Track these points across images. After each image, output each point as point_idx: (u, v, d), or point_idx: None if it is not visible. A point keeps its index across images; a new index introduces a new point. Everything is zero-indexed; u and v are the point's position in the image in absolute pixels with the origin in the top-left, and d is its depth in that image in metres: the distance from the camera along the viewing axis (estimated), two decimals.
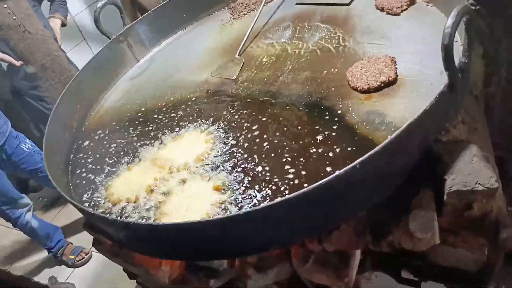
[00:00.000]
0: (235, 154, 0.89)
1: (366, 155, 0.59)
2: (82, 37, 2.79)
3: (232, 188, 0.80)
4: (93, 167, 1.03)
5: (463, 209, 0.63)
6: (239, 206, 0.76)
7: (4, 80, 2.20)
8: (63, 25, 2.31)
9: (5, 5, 1.96)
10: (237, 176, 0.83)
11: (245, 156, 0.88)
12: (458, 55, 0.69)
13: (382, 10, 1.12)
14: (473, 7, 0.91)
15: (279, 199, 0.58)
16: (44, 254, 2.36)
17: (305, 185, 0.75)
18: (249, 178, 0.81)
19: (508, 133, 0.98)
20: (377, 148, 0.60)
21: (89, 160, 1.06)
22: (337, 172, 0.58)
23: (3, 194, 1.94)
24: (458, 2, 0.86)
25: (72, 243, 2.29)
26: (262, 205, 0.59)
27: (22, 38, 2.00)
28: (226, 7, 1.53)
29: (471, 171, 0.63)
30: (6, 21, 1.96)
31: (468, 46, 0.68)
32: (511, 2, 0.91)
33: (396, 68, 0.91)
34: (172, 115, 1.10)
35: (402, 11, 1.08)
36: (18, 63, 2.00)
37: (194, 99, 1.14)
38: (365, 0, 1.20)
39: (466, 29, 0.68)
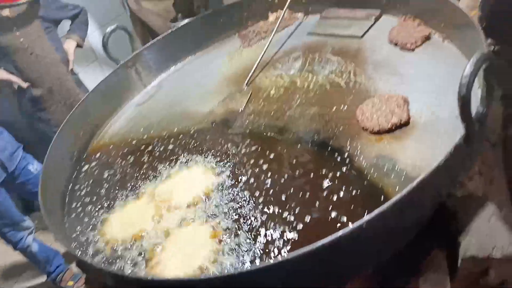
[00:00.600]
0: (237, 194, 0.85)
1: (374, 214, 0.54)
2: (95, 57, 2.81)
3: (231, 236, 0.75)
4: (90, 199, 1.00)
5: (479, 275, 0.58)
6: (236, 257, 0.71)
7: (13, 100, 2.21)
8: (79, 45, 2.33)
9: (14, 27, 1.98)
10: (237, 222, 0.78)
11: (247, 198, 0.83)
12: (475, 98, 0.64)
13: (396, 44, 1.08)
14: (493, 47, 0.86)
15: (277, 259, 0.54)
16: (43, 278, 2.32)
17: (308, 232, 0.70)
18: (249, 225, 0.77)
19: None
20: (385, 205, 0.55)
21: (86, 192, 1.03)
22: (341, 232, 0.54)
23: (6, 217, 1.92)
24: (476, 40, 0.82)
25: (72, 269, 2.25)
26: (258, 265, 0.54)
27: (30, 60, 2.02)
28: (236, 34, 1.51)
29: (488, 232, 0.58)
30: (14, 44, 1.98)
31: (487, 94, 0.64)
32: None
33: (409, 109, 0.86)
34: (176, 147, 1.07)
35: (416, 46, 1.04)
36: (24, 85, 2.01)
37: (199, 130, 1.11)
38: (378, 33, 1.16)
39: (485, 76, 0.63)
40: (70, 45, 2.23)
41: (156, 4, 2.22)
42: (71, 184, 1.07)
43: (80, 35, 2.26)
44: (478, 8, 0.85)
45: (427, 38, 1.05)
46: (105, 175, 1.06)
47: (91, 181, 1.06)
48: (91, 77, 2.41)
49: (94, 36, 2.67)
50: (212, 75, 1.34)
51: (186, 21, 1.52)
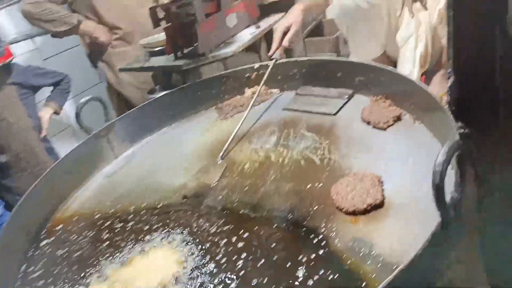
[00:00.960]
0: (206, 277, 0.79)
1: None
2: (69, 124, 2.79)
3: None
4: (45, 282, 0.90)
5: None
6: None
7: None
8: (56, 113, 2.31)
9: None
10: None
11: (217, 282, 0.77)
12: (448, 179, 0.63)
13: (368, 123, 1.10)
14: (462, 130, 0.88)
15: None
16: None
17: None
18: None
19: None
20: None
21: (41, 274, 0.94)
22: None
23: None
24: (446, 123, 0.84)
25: None
26: None
27: None
28: (213, 107, 1.52)
29: None
30: None
31: (461, 179, 0.63)
32: (503, 123, 0.89)
33: (383, 189, 0.85)
34: (143, 223, 1.01)
35: (388, 126, 1.06)
36: None
37: (169, 205, 1.06)
38: (351, 111, 1.19)
39: (458, 162, 0.63)
40: (45, 112, 2.20)
41: (136, 76, 2.27)
42: (24, 265, 0.98)
43: (58, 103, 2.25)
44: (447, 92, 0.88)
45: (399, 118, 1.08)
46: (63, 253, 0.98)
47: (46, 261, 0.97)
48: (64, 145, 2.36)
49: (69, 104, 2.66)
50: (187, 147, 1.32)
51: (163, 93, 1.54)
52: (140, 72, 2.19)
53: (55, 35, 2.27)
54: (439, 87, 1.55)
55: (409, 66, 1.55)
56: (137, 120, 1.43)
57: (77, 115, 1.27)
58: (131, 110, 1.44)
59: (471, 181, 0.92)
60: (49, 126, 2.22)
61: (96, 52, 2.39)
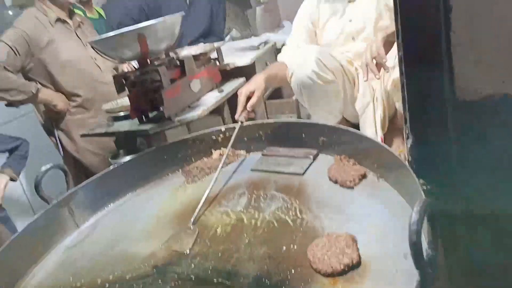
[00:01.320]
0: None
1: None
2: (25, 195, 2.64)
3: None
4: None
5: None
6: None
7: None
8: (13, 180, 2.19)
9: None
10: None
11: None
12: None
13: (335, 182, 1.14)
14: (424, 187, 0.93)
15: None
16: None
17: None
18: None
19: None
20: None
21: None
22: None
23: None
24: (409, 180, 0.89)
25: None
26: None
27: None
28: (180, 170, 1.51)
29: None
30: None
31: (433, 237, 0.66)
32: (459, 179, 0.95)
33: (358, 249, 0.87)
34: None
35: (355, 184, 1.10)
36: None
37: (137, 277, 1.00)
38: (318, 171, 1.23)
39: (429, 220, 0.66)
40: (1, 180, 2.08)
41: (95, 143, 2.23)
42: None
43: (15, 170, 2.14)
44: (406, 152, 0.94)
45: (364, 176, 1.13)
46: None
47: None
48: (22, 214, 2.21)
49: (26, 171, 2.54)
50: (154, 213, 1.28)
51: (128, 158, 1.51)
52: (100, 139, 2.16)
53: (10, 104, 2.20)
54: (396, 146, 1.66)
55: (372, 130, 1.66)
56: (100, 187, 1.38)
57: (37, 185, 1.21)
58: (94, 176, 1.39)
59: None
60: (4, 195, 2.10)
61: (51, 120, 2.33)
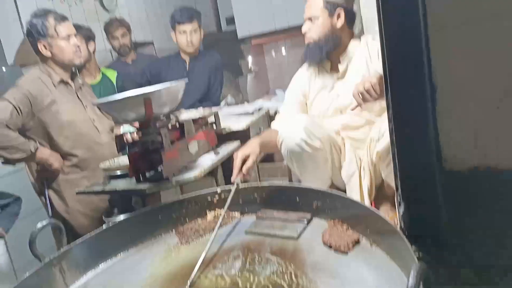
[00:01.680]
0: None
1: None
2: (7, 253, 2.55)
3: None
4: None
5: None
6: None
7: None
8: (1, 236, 2.12)
9: None
10: None
11: None
12: None
13: (330, 247, 1.16)
14: (416, 253, 0.96)
15: None
16: None
17: None
18: None
19: None
20: None
21: None
22: None
23: None
24: (401, 246, 0.92)
25: None
26: None
27: None
28: (173, 230, 1.52)
29: None
30: None
31: None
32: (449, 248, 0.98)
33: None
34: None
35: (349, 249, 1.12)
36: None
37: None
38: (312, 235, 1.25)
39: (425, 286, 0.69)
40: None
41: (87, 204, 2.22)
42: None
43: (4, 227, 2.09)
44: (398, 219, 0.98)
45: (357, 241, 1.15)
46: None
47: None
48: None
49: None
50: (147, 274, 1.26)
51: (122, 216, 1.52)
52: (91, 200, 2.17)
53: (7, 161, 2.20)
54: (384, 213, 1.70)
55: (357, 198, 1.72)
56: (94, 245, 1.37)
57: (31, 243, 1.20)
58: (88, 234, 1.39)
59: None
60: None
61: (44, 179, 2.31)
